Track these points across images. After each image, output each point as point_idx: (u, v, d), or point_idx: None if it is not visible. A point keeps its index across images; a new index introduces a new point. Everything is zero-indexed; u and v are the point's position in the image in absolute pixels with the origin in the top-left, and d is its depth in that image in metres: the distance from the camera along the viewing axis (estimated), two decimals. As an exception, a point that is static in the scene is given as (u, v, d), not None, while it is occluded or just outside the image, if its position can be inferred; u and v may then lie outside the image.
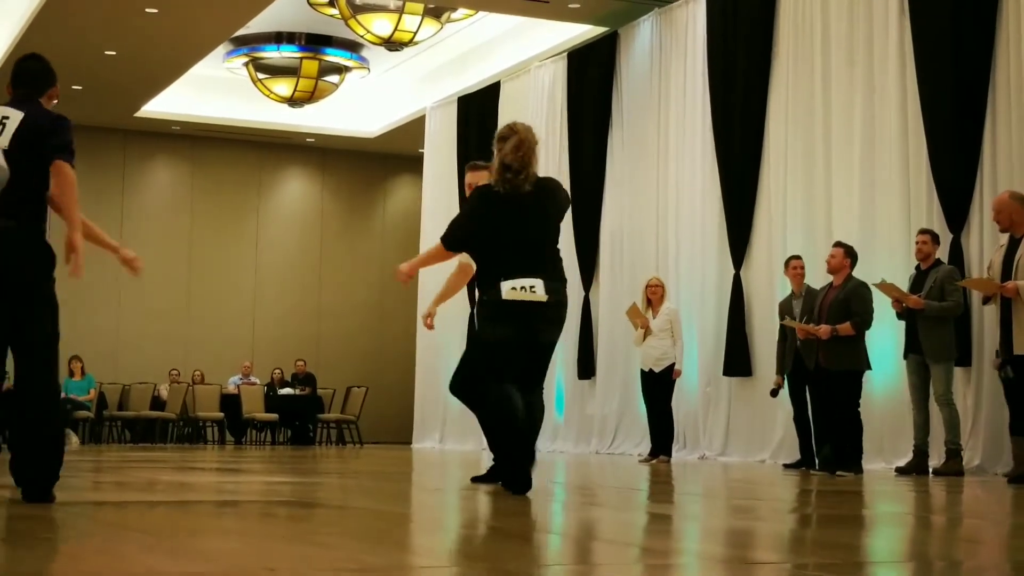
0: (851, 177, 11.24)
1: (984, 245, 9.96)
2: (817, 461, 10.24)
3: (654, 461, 11.58)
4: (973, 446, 9.78)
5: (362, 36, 15.85)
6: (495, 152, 6.07)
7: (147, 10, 14.94)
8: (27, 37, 15.66)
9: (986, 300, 8.70)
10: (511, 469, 5.91)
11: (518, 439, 5.79)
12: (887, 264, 10.38)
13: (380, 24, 15.52)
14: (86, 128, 20.52)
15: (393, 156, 21.87)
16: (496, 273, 5.90)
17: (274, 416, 19.17)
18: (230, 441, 19.48)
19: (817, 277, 10.52)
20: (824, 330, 9.27)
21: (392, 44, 15.72)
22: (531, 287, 5.84)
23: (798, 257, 10.72)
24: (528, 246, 5.95)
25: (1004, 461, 9.59)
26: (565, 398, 15.32)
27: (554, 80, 15.96)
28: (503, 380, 5.84)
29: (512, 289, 5.84)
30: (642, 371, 11.83)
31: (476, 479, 7.00)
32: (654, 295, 11.84)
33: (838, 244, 9.69)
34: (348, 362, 21.28)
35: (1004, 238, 8.57)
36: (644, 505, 5.99)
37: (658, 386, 11.70)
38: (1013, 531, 4.78)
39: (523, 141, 6.03)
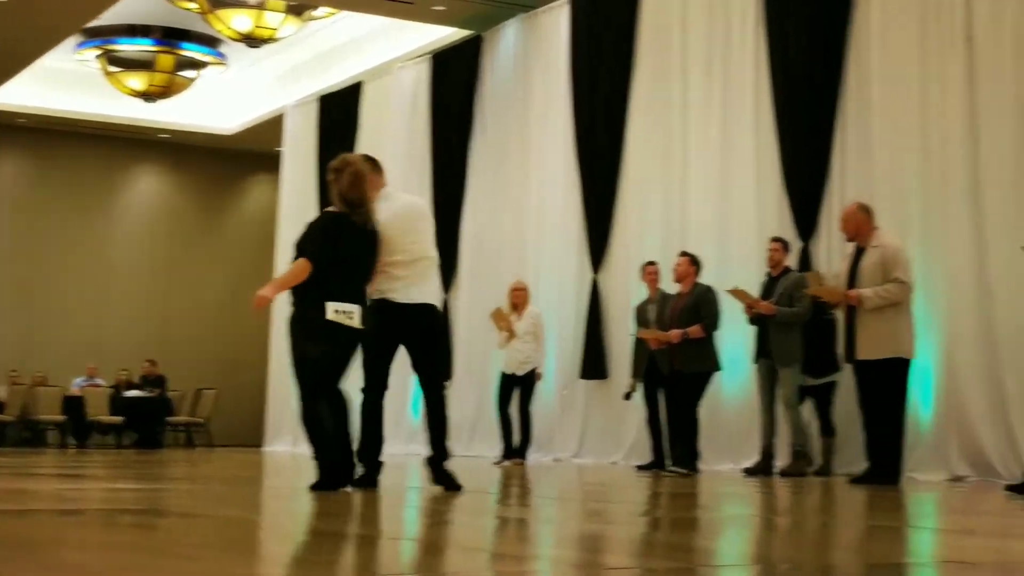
0: (707, 184, 11.46)
1: (832, 253, 10.23)
2: (668, 463, 10.42)
3: (507, 463, 11.63)
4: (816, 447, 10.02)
5: (221, 32, 15.61)
6: (331, 182, 6.42)
7: (-3, -4, 14.49)
8: None
9: (833, 307, 8.93)
10: (326, 470, 6.34)
11: (328, 445, 6.32)
12: (740, 270, 10.59)
13: (240, 20, 15.32)
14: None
15: (250, 154, 21.56)
16: (322, 293, 6.22)
17: (119, 419, 18.68)
18: (73, 445, 18.90)
19: (668, 282, 10.71)
20: (675, 334, 9.45)
21: (252, 40, 15.53)
22: (349, 313, 6.24)
23: (652, 263, 10.89)
24: (359, 274, 6.39)
25: (846, 461, 9.86)
26: (420, 401, 15.25)
27: (417, 82, 15.93)
28: (317, 395, 6.29)
29: (335, 312, 6.21)
30: (503, 374, 11.88)
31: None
32: (518, 298, 11.91)
33: (683, 253, 9.91)
34: (199, 364, 20.86)
35: (851, 247, 8.81)
36: (495, 509, 6.01)
37: (520, 389, 11.78)
38: (855, 531, 4.93)
39: (358, 174, 6.35)
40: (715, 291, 9.68)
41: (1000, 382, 8.79)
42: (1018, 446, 8.57)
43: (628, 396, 11.07)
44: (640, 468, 10.92)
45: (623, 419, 12.05)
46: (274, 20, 15.33)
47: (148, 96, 18.34)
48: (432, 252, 6.79)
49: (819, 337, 9.58)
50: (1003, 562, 3.65)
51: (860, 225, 8.70)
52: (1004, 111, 8.97)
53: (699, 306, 9.56)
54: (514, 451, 11.87)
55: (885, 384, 8.27)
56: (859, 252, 8.66)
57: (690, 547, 4.02)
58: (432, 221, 6.97)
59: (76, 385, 19.05)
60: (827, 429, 9.71)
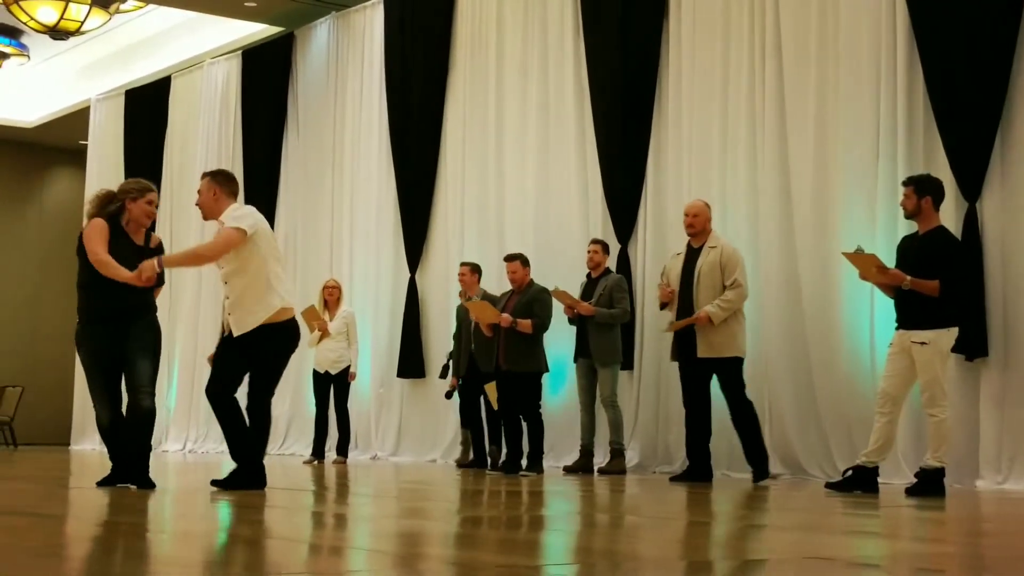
0: (525, 186, 11.65)
1: (648, 254, 10.55)
2: (489, 461, 10.63)
3: (316, 462, 11.69)
4: (634, 446, 10.36)
5: (25, 23, 15.13)
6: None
7: None
8: None
9: (663, 306, 9.14)
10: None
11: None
12: (561, 272, 10.81)
13: (45, 12, 14.84)
14: None
15: (52, 147, 20.93)
16: None
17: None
18: None
19: (490, 283, 10.90)
20: (506, 318, 9.56)
21: (57, 33, 15.07)
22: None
23: (464, 264, 11.06)
24: None
25: (660, 459, 10.23)
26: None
27: (228, 78, 15.76)
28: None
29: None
30: (316, 372, 11.91)
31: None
32: (331, 296, 11.95)
33: (512, 257, 10.01)
34: (3, 361, 20.18)
35: (681, 246, 9.05)
36: (312, 507, 6.10)
37: (334, 388, 11.83)
38: (674, 526, 5.17)
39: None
40: (549, 293, 9.85)
41: (810, 382, 9.22)
42: (828, 445, 9.01)
43: (449, 395, 11.24)
44: (461, 465, 11.10)
45: (441, 417, 12.21)
46: (80, 12, 14.92)
47: (-59, 87, 17.64)
48: None
49: None
50: (805, 555, 3.92)
51: (707, 222, 8.92)
52: (807, 122, 9.41)
53: (532, 304, 9.71)
54: (321, 450, 11.93)
55: (727, 382, 8.62)
56: (692, 251, 8.85)
57: (515, 542, 4.19)
58: None
59: None
60: None
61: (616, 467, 9.79)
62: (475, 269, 10.86)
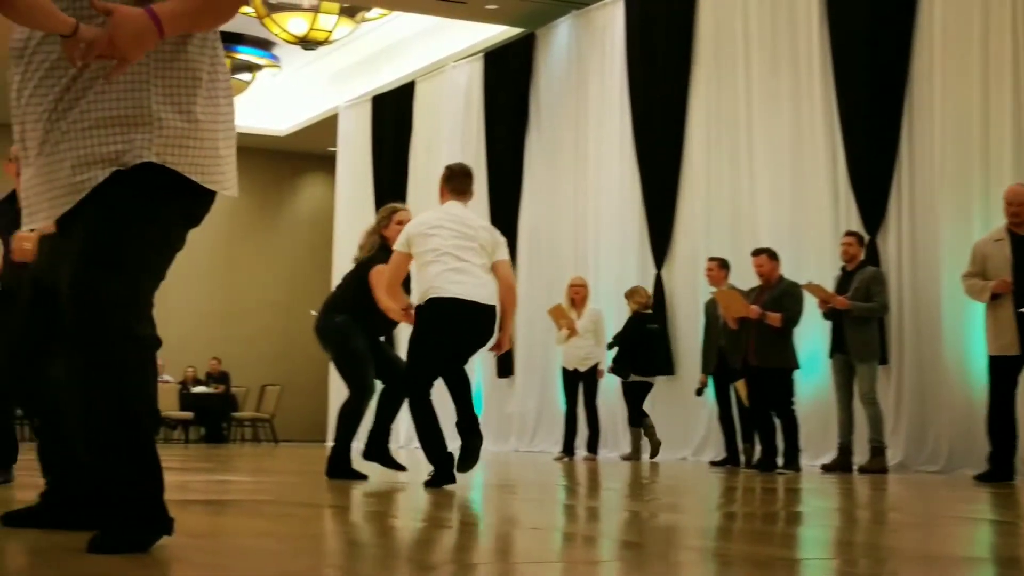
0: (775, 178, 11.42)
1: (903, 246, 10.21)
2: (743, 459, 10.46)
3: (566, 459, 11.73)
4: (895, 443, 10.02)
5: (277, 35, 15.73)
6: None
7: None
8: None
9: (995, 296, 8.44)
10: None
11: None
12: (811, 265, 10.58)
13: (295, 23, 15.41)
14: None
15: (304, 154, 21.71)
16: None
17: (189, 414, 18.96)
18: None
19: (738, 278, 10.71)
20: (755, 310, 9.43)
21: (307, 43, 15.63)
22: None
23: (712, 259, 10.91)
24: None
25: (925, 457, 9.87)
26: (484, 397, 15.37)
27: (470, 81, 15.98)
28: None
29: None
30: (565, 370, 11.97)
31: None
32: (577, 295, 11.98)
33: (760, 252, 9.85)
34: (261, 361, 21.07)
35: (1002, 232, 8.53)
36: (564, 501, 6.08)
37: (583, 385, 11.86)
38: (940, 524, 4.94)
39: None
40: (800, 287, 9.66)
41: None
42: None
43: (699, 392, 11.12)
44: (714, 464, 10.96)
45: (692, 415, 12.08)
46: (328, 22, 15.42)
47: (204, 99, 18.47)
48: None
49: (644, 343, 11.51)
50: None
51: None
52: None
53: (782, 299, 9.56)
54: (571, 447, 11.97)
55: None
56: (1019, 240, 8.37)
57: (771, 535, 4.09)
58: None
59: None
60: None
61: (876, 465, 9.48)
62: (723, 264, 10.71)
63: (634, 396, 11.80)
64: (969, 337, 9.50)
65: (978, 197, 9.61)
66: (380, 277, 7.13)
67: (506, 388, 15.03)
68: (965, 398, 9.53)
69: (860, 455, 9.78)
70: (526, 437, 14.52)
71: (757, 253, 9.82)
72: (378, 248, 7.44)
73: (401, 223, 7.23)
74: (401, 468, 7.35)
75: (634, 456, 11.88)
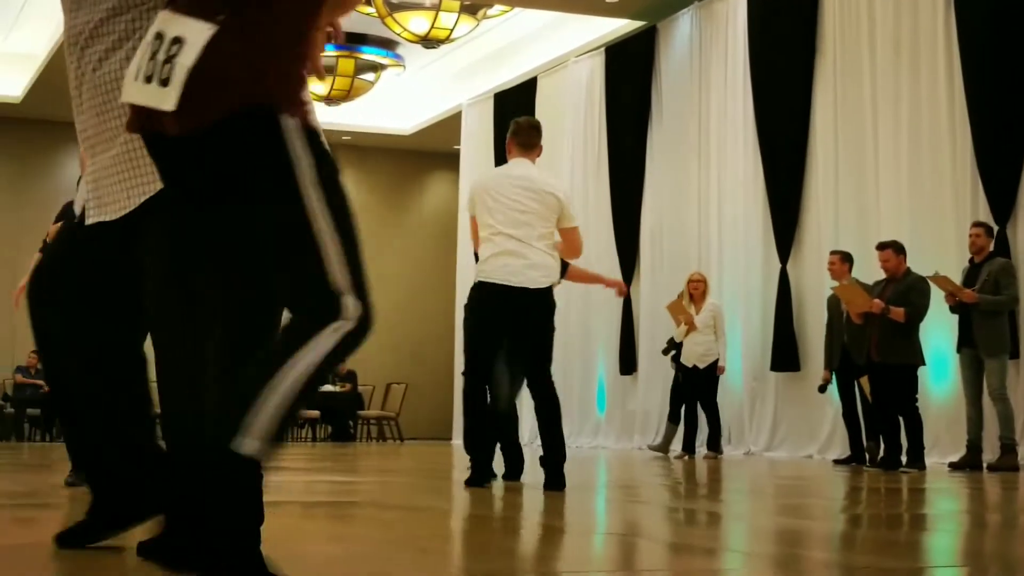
0: (899, 169, 11.15)
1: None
2: (867, 457, 10.20)
3: (687, 457, 11.58)
4: (1028, 441, 9.69)
5: (399, 34, 15.82)
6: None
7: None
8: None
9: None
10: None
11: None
12: (937, 257, 10.29)
13: (416, 22, 15.47)
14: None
15: (428, 153, 21.83)
16: None
17: (316, 413, 19.21)
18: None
19: (865, 272, 10.45)
20: (877, 304, 9.21)
21: (429, 42, 15.66)
22: None
23: (834, 252, 10.65)
24: None
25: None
26: (607, 394, 15.29)
27: (592, 75, 15.90)
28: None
29: None
30: (684, 366, 11.80)
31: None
32: (696, 290, 11.81)
33: (884, 246, 9.61)
34: (388, 359, 21.20)
35: None
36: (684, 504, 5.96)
37: (703, 382, 11.68)
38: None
39: None
40: (927, 283, 9.40)
41: None
42: None
43: (823, 389, 10.87)
44: (837, 462, 10.71)
45: (817, 412, 11.83)
46: (449, 20, 15.45)
47: (331, 100, 18.68)
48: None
49: None
50: None
51: None
52: None
53: (909, 293, 9.31)
54: (692, 444, 11.81)
55: None
56: None
57: (897, 543, 3.94)
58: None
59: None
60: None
61: (1007, 463, 9.17)
62: (846, 258, 10.43)
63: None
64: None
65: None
66: None
67: (629, 385, 14.91)
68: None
69: (990, 453, 9.48)
70: (650, 434, 14.38)
71: (883, 247, 9.58)
72: None
73: None
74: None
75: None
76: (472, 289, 6.65)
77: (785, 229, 12.47)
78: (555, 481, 6.18)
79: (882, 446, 9.58)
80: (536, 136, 6.74)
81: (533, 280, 6.32)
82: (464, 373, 6.74)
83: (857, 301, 9.41)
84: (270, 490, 2.49)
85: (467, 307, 6.78)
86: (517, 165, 6.63)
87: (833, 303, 10.54)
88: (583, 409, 15.66)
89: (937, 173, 10.75)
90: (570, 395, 15.84)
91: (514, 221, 6.35)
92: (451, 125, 19.45)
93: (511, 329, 6.39)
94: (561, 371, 15.89)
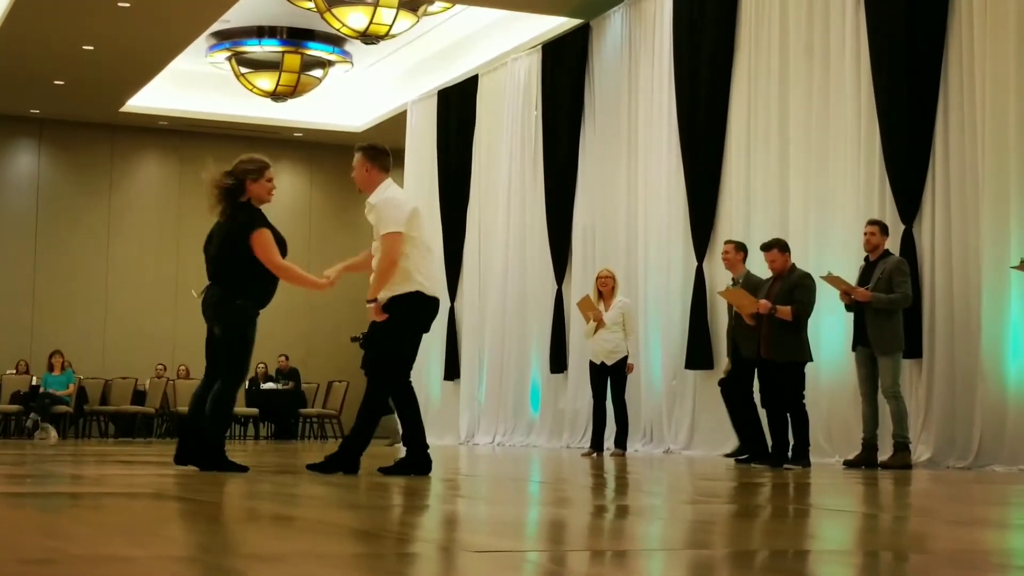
0: (808, 168, 11.15)
1: (936, 236, 9.84)
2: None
3: (595, 455, 11.53)
4: (925, 439, 9.67)
5: (338, 30, 15.79)
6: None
7: (119, 4, 14.93)
8: (4, 28, 15.71)
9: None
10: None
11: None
12: (843, 255, 10.28)
13: (355, 17, 15.44)
14: (72, 123, 20.65)
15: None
16: None
17: (254, 411, 19.16)
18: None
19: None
20: (764, 304, 9.23)
21: (368, 37, 15.62)
22: None
23: (728, 242, 10.65)
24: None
25: (956, 454, 9.49)
26: (540, 393, 15.25)
27: (529, 73, 15.88)
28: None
29: None
30: (592, 364, 11.76)
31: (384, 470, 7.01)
32: (604, 287, 11.75)
33: (769, 246, 9.62)
34: (336, 357, 21.14)
35: None
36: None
37: (611, 379, 11.63)
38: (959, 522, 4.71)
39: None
40: (812, 278, 9.41)
41: None
42: None
43: (722, 382, 10.81)
44: (729, 456, 10.69)
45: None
46: (388, 16, 15.41)
47: (277, 96, 18.64)
48: None
49: None
50: None
51: None
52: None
53: (794, 290, 9.31)
54: (600, 442, 11.75)
55: None
56: None
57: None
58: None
59: (216, 378, 19.43)
60: None
61: (900, 461, 9.16)
62: (740, 247, 10.38)
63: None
64: (1007, 331, 9.13)
65: (1016, 187, 9.22)
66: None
67: (560, 384, 14.86)
68: (998, 394, 9.15)
69: (886, 451, 9.45)
70: (578, 433, 14.33)
71: (767, 247, 9.59)
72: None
73: (271, 181, 7.25)
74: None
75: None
76: (414, 299, 6.89)
77: (702, 227, 12.47)
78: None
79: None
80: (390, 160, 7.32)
81: None
82: (401, 378, 7.02)
83: (744, 303, 9.41)
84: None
85: (414, 315, 6.88)
86: (398, 189, 7.28)
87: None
88: (517, 408, 15.62)
89: (844, 171, 10.74)
90: (504, 394, 15.81)
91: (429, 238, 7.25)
92: (400, 123, 19.40)
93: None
94: (497, 370, 15.92)
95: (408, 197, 7.30)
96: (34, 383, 18.38)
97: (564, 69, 15.12)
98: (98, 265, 21.17)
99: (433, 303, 6.99)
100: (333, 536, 3.59)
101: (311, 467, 6.98)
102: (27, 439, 16.90)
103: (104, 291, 20.93)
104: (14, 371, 18.83)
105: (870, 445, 9.40)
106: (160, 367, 19.75)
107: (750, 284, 9.96)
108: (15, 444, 14.63)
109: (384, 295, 6.85)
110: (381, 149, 7.22)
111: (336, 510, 4.78)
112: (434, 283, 7.12)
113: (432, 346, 17.41)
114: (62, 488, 6.19)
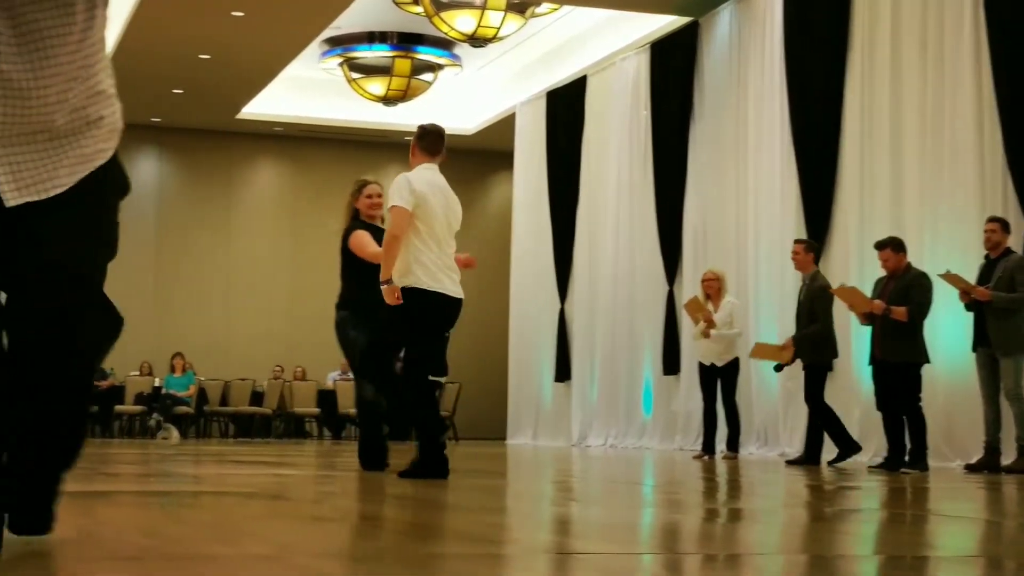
0: (924, 165, 10.90)
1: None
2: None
3: (706, 458, 11.40)
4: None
5: (446, 33, 15.86)
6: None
7: (233, 13, 15.18)
8: (125, 40, 16.07)
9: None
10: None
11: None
12: (959, 254, 10.03)
13: (463, 20, 15.49)
14: (191, 131, 21.07)
15: (490, 153, 21.83)
16: None
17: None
18: (329, 436, 19.68)
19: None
20: (878, 304, 9.06)
21: (476, 40, 15.68)
22: None
23: (798, 242, 10.68)
24: None
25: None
26: (652, 395, 15.15)
27: (638, 72, 15.79)
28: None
29: None
30: (702, 365, 11.64)
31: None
32: (711, 288, 11.65)
33: (883, 244, 9.43)
34: (450, 358, 21.24)
35: None
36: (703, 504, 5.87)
37: (721, 381, 11.51)
38: None
39: None
40: (929, 278, 9.19)
41: None
42: None
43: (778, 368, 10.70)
44: (789, 463, 10.50)
45: (849, 412, 11.56)
46: (496, 19, 15.44)
47: (388, 100, 18.80)
48: None
49: None
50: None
51: None
52: None
53: (910, 289, 9.11)
54: (711, 444, 11.62)
55: None
56: None
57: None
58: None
59: (331, 379, 19.74)
60: None
61: (1022, 465, 8.88)
62: (810, 247, 10.24)
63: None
64: None
65: None
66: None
67: (672, 385, 14.75)
68: None
69: (1010, 455, 9.18)
70: (691, 435, 14.21)
71: (881, 246, 9.40)
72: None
73: (371, 196, 7.55)
74: None
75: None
76: (420, 295, 6.61)
77: (818, 227, 12.22)
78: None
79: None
80: (442, 143, 6.95)
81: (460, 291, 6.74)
82: (416, 377, 6.69)
83: (857, 301, 9.22)
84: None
85: (423, 309, 6.64)
86: (433, 174, 6.82)
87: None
88: (629, 410, 15.54)
89: (963, 168, 10.48)
90: (616, 396, 15.75)
91: (447, 230, 6.70)
92: (510, 125, 19.44)
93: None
94: (609, 372, 15.85)
95: (428, 184, 6.74)
96: (156, 384, 18.80)
97: (673, 68, 15.01)
98: (217, 269, 21.58)
99: (436, 298, 6.59)
100: (428, 538, 3.58)
101: (402, 474, 6.60)
102: (150, 439, 17.31)
103: (224, 294, 21.31)
104: (137, 373, 19.25)
105: (992, 449, 9.16)
106: (277, 368, 20.04)
107: (816, 285, 9.86)
108: (139, 444, 15.02)
109: (397, 281, 6.56)
110: (431, 130, 6.91)
111: (432, 511, 4.77)
112: (439, 278, 6.65)
113: (543, 348, 17.45)
114: (173, 487, 6.29)
